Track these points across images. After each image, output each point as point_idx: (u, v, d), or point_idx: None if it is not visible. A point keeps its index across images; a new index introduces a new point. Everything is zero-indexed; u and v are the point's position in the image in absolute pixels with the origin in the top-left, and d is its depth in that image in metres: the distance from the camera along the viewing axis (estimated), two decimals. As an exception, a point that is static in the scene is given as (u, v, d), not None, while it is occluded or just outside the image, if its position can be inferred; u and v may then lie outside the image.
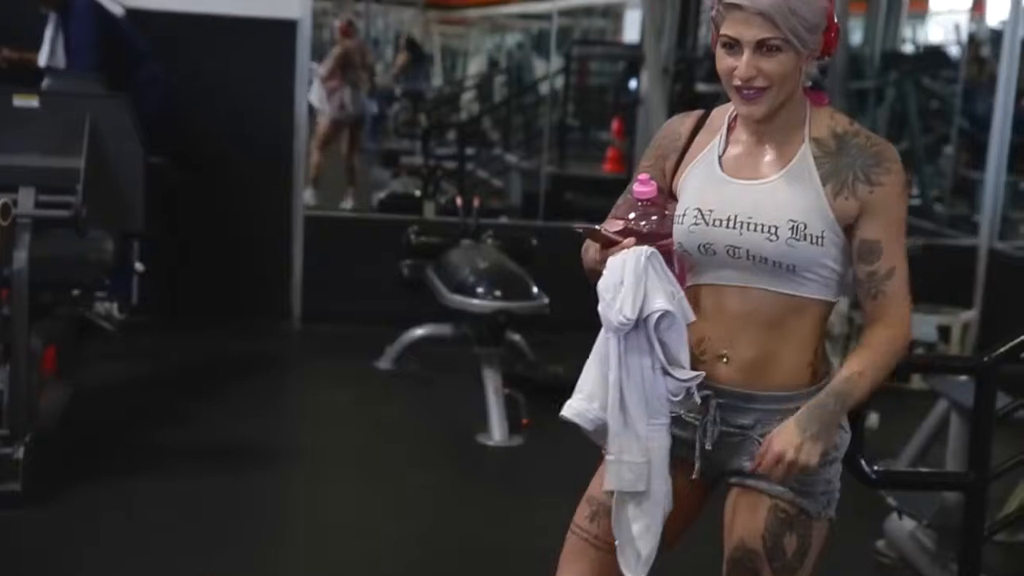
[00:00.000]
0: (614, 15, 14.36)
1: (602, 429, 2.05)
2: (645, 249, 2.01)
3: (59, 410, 4.55)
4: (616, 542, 2.09)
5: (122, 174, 4.58)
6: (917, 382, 5.82)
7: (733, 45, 2.00)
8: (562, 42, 11.95)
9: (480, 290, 4.94)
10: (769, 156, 2.09)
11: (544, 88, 11.47)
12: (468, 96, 14.73)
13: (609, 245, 2.06)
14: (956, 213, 8.33)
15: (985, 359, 2.65)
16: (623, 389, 2.02)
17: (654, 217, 2.07)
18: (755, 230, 2.04)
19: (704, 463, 2.14)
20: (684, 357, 2.03)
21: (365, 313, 6.14)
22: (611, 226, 2.09)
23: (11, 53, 5.67)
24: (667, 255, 2.09)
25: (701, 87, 8.91)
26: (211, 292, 6.18)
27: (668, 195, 2.17)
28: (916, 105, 8.91)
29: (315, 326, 6.37)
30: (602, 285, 2.02)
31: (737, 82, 2.01)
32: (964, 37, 9.19)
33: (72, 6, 5.50)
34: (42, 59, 5.59)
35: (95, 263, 4.51)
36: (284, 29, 6.21)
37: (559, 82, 10.90)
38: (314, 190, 8.74)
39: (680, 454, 2.13)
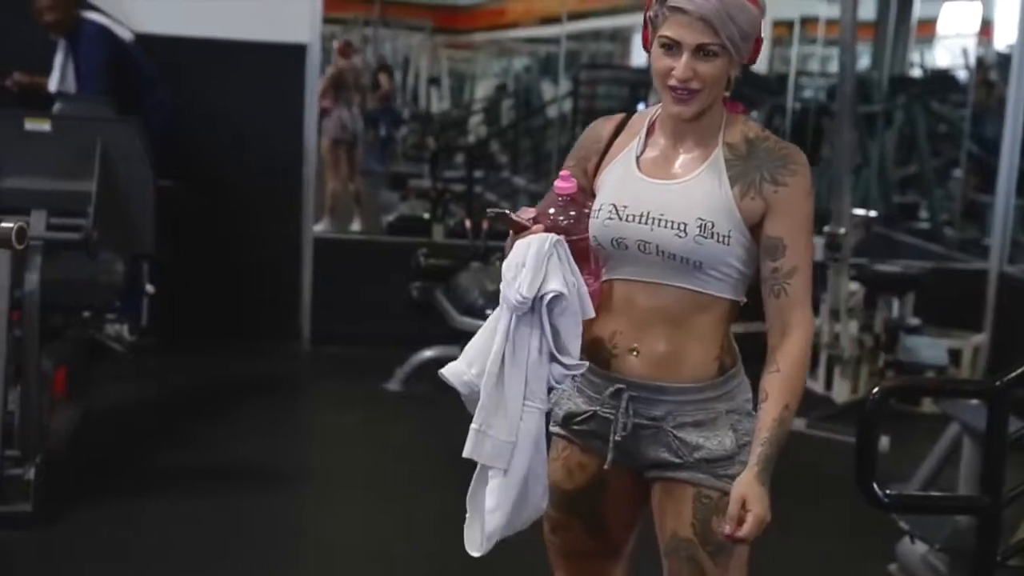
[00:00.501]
0: (622, 39, 14.39)
1: (473, 396, 2.10)
2: (551, 236, 2.08)
3: (69, 431, 4.55)
4: (467, 515, 2.14)
5: (132, 197, 4.60)
6: (928, 405, 5.82)
7: (672, 46, 2.08)
8: (570, 65, 11.99)
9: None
10: (684, 158, 2.18)
11: (552, 111, 11.51)
12: (476, 119, 14.77)
13: (520, 230, 2.13)
14: (966, 237, 8.32)
15: (997, 383, 2.64)
16: (505, 364, 2.06)
17: (572, 213, 2.15)
18: (665, 226, 2.12)
19: (618, 454, 2.20)
20: (574, 346, 2.08)
21: (374, 335, 6.15)
22: (524, 214, 2.16)
23: (22, 77, 5.70)
24: (584, 251, 2.18)
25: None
26: (221, 314, 6.19)
27: (589, 194, 2.25)
28: (925, 129, 8.93)
29: (324, 348, 6.37)
30: (505, 265, 2.09)
31: (673, 82, 2.09)
32: (972, 61, 9.20)
33: (81, 32, 5.52)
34: (52, 84, 5.62)
35: (106, 285, 4.52)
36: (293, 53, 6.24)
37: (567, 105, 10.92)
38: (331, 219, 8.75)
39: (597, 448, 2.23)
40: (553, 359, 2.07)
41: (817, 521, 4.49)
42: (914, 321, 6.12)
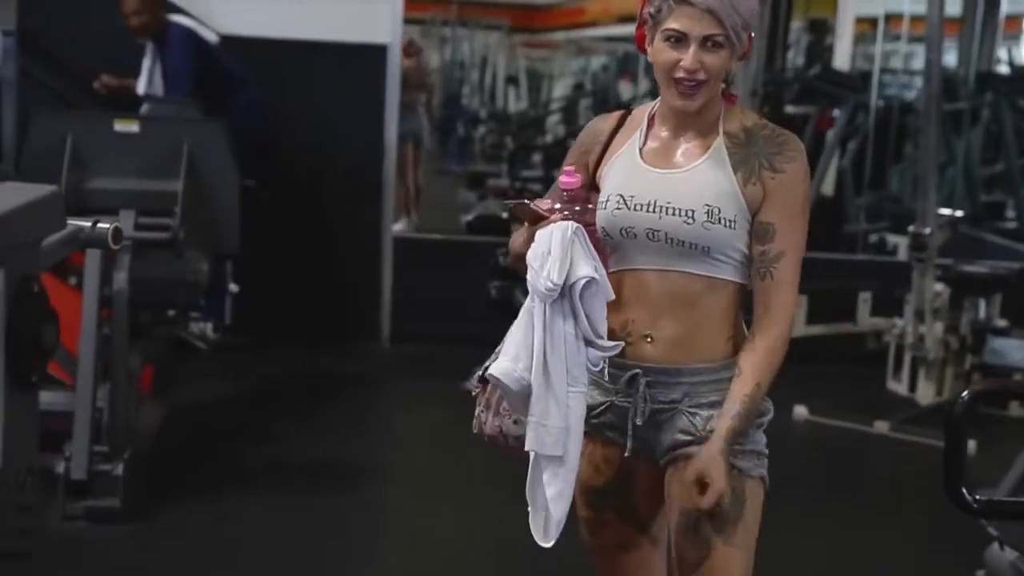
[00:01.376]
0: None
1: (524, 391, 2.11)
2: (571, 224, 2.11)
3: (155, 428, 4.62)
4: (529, 508, 2.17)
5: (218, 197, 4.67)
6: (1016, 409, 5.71)
7: (680, 39, 2.12)
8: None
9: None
10: (686, 148, 2.22)
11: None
12: (554, 119, 14.77)
13: (536, 220, 2.16)
14: (1054, 236, 8.15)
15: (1090, 386, 2.58)
16: (547, 353, 2.09)
17: (577, 207, 2.17)
18: (673, 214, 2.16)
19: (636, 442, 2.23)
20: (603, 329, 2.12)
21: (453, 334, 6.16)
22: (541, 204, 2.19)
23: (110, 80, 5.80)
24: (592, 243, 2.19)
25: (790, 108, 8.86)
26: (301, 313, 6.25)
27: (591, 188, 2.28)
28: (1012, 126, 8.75)
29: (403, 347, 6.41)
30: (530, 255, 2.11)
31: (680, 74, 2.13)
32: (1061, 57, 9.02)
33: (168, 35, 5.61)
34: (141, 88, 5.72)
35: (191, 284, 4.59)
36: (374, 54, 6.28)
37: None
38: (407, 218, 8.79)
39: (617, 440, 2.25)
40: (588, 343, 2.11)
41: (902, 525, 4.43)
42: (1001, 322, 6.01)
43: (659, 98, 2.26)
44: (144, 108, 5.22)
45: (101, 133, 4.46)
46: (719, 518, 2.16)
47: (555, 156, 10.27)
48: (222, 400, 5.48)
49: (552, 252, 2.07)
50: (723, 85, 2.22)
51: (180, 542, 3.93)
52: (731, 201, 2.16)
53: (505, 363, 2.13)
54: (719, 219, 2.15)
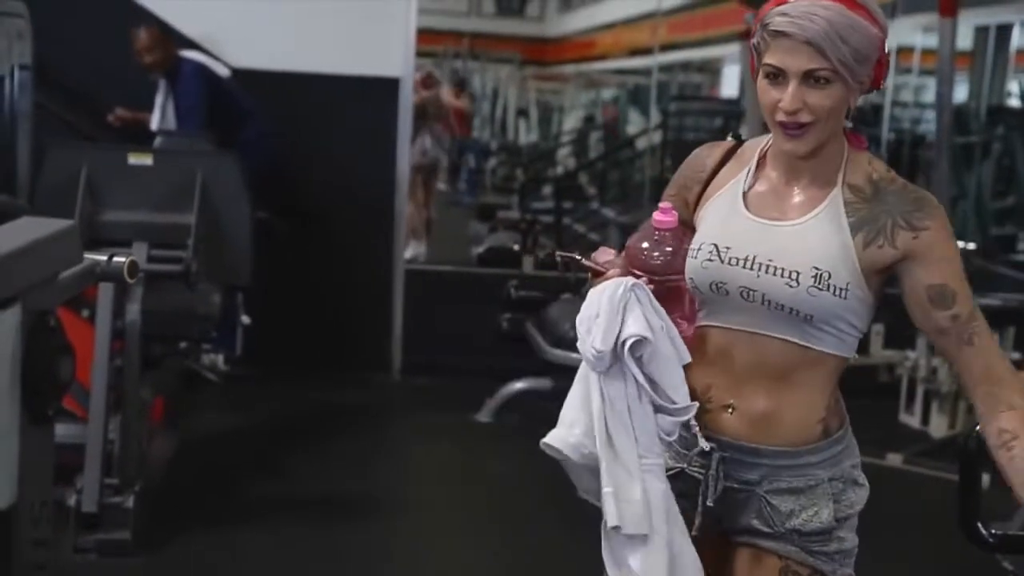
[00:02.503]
0: (711, 70, 14.35)
1: (584, 460, 1.92)
2: (627, 280, 1.89)
3: (166, 460, 4.62)
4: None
5: (230, 229, 4.68)
6: (1028, 442, 5.68)
7: (778, 75, 1.87)
8: (660, 97, 11.97)
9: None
10: (799, 197, 1.96)
11: (642, 143, 11.49)
12: (564, 151, 14.82)
13: (596, 275, 1.96)
14: (1065, 270, 8.13)
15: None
16: (607, 423, 1.88)
17: (668, 249, 1.96)
18: (774, 274, 1.91)
19: (707, 520, 2.01)
20: (678, 393, 1.90)
21: (464, 366, 6.17)
22: (600, 256, 1.99)
23: (124, 113, 5.84)
24: (679, 293, 2.00)
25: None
26: (312, 344, 6.25)
27: (688, 228, 2.04)
28: (1023, 160, 8.76)
29: (414, 378, 6.41)
30: (579, 317, 1.91)
31: (781, 116, 1.88)
32: (1072, 90, 9.03)
33: (180, 70, 5.67)
34: (154, 123, 5.77)
35: (203, 316, 4.61)
36: (387, 87, 6.31)
37: (656, 137, 10.91)
38: (415, 241, 8.82)
39: (684, 507, 1.99)
40: (657, 409, 1.89)
41: (916, 559, 4.40)
42: (1014, 355, 5.98)
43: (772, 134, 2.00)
44: (158, 141, 5.25)
45: (115, 166, 4.49)
46: None
47: (565, 188, 10.31)
48: (233, 432, 5.48)
49: (600, 314, 1.87)
50: (848, 124, 1.97)
51: (190, 574, 3.92)
52: (844, 265, 1.91)
53: (559, 432, 1.95)
54: (828, 285, 1.90)
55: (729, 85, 13.76)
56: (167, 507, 4.26)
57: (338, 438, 5.46)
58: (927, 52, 9.33)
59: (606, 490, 1.89)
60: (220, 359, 6.06)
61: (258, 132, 5.86)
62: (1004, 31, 9.61)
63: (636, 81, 14.53)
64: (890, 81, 9.83)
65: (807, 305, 1.91)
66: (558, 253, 2.06)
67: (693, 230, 2.03)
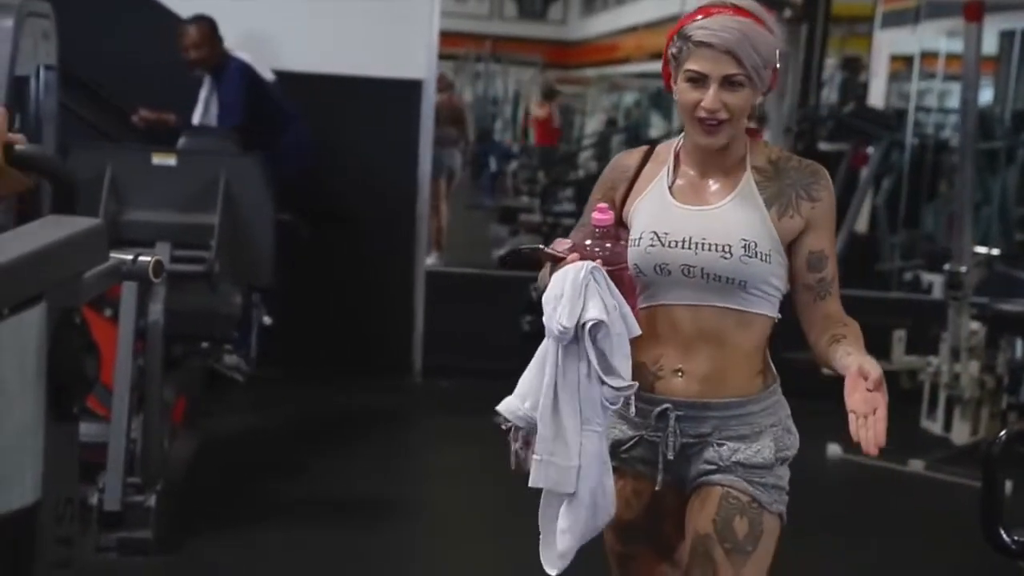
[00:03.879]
0: (734, 74, 14.30)
1: (531, 428, 2.16)
2: (588, 263, 2.12)
3: (187, 460, 4.64)
4: (540, 536, 2.23)
5: (253, 230, 4.70)
6: (1051, 449, 5.65)
7: (699, 79, 2.16)
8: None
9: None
10: (715, 185, 2.26)
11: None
12: (586, 154, 14.79)
13: (557, 262, 2.18)
14: (1091, 275, 8.07)
15: None
16: (558, 392, 2.12)
17: (608, 244, 2.20)
18: (710, 249, 2.20)
19: (667, 475, 2.25)
20: (623, 368, 2.12)
21: (486, 369, 6.15)
22: (558, 246, 2.21)
23: (148, 114, 5.86)
24: (621, 281, 2.21)
25: (823, 146, 8.84)
26: (334, 346, 6.27)
27: (620, 224, 2.31)
28: (1048, 165, 8.71)
29: (436, 381, 6.41)
30: (545, 297, 2.14)
31: (702, 114, 2.16)
32: (1098, 96, 8.97)
33: (226, 68, 5.70)
34: (196, 117, 5.80)
35: (225, 316, 4.64)
36: (409, 89, 6.32)
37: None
38: (437, 252, 8.82)
39: (649, 475, 2.28)
40: (602, 382, 2.11)
41: (938, 565, 4.38)
42: (1036, 362, 5.95)
43: (683, 135, 2.31)
44: (181, 140, 5.27)
45: (139, 166, 4.51)
46: (733, 548, 2.19)
47: (587, 191, 10.32)
48: (255, 432, 5.50)
49: (564, 294, 2.09)
50: (750, 124, 2.28)
51: (210, 574, 3.93)
52: (765, 235, 2.21)
53: (512, 401, 2.20)
54: (755, 253, 2.19)
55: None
56: (188, 507, 4.28)
57: (359, 440, 5.47)
58: (951, 57, 9.28)
59: (535, 457, 2.16)
60: (243, 360, 6.07)
61: (299, 138, 5.88)
62: (1029, 36, 9.56)
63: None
64: (914, 86, 9.82)
65: (740, 272, 2.20)
66: (523, 246, 2.32)
67: (623, 225, 2.32)
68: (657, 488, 2.26)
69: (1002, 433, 2.51)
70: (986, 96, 9.15)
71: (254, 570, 4.00)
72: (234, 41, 5.85)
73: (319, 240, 6.14)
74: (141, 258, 1.52)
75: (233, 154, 5.02)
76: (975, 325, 5.80)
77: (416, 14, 6.29)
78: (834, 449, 5.37)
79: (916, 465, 5.37)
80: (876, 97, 10.17)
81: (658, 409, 2.24)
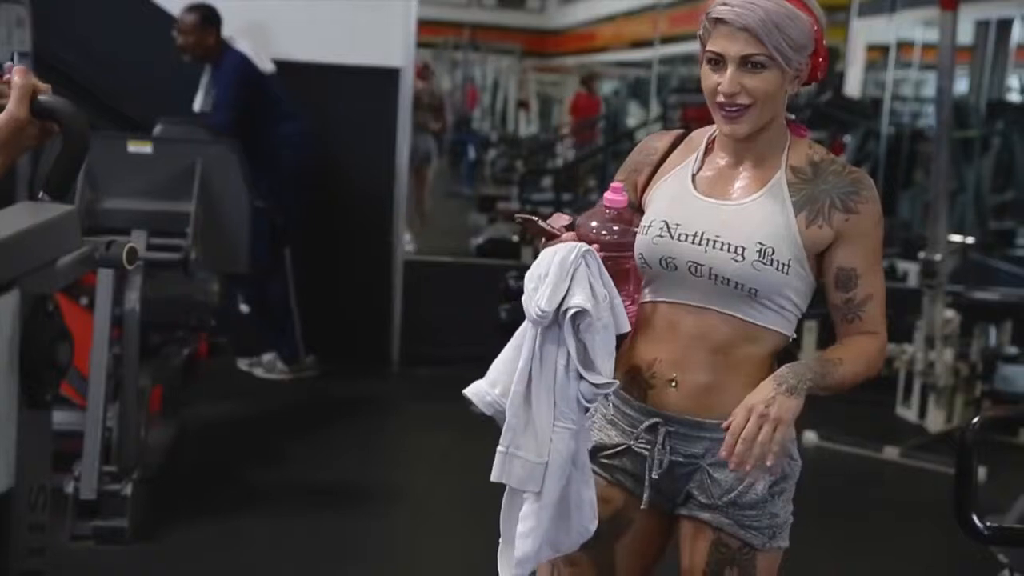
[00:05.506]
0: (712, 63, 14.33)
1: (500, 415, 1.99)
2: (581, 245, 1.94)
3: (164, 448, 4.63)
4: (500, 539, 2.06)
5: (229, 218, 4.68)
6: (1025, 436, 5.70)
7: (718, 61, 1.99)
8: (660, 89, 11.97)
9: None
10: (744, 179, 2.07)
11: (641, 135, 11.47)
12: (564, 143, 14.80)
13: (550, 238, 2.00)
14: (1065, 264, 8.14)
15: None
16: (531, 382, 1.94)
17: (616, 228, 2.02)
18: (721, 248, 2.00)
19: (654, 494, 2.10)
20: (606, 364, 1.94)
21: (463, 357, 6.15)
22: (555, 221, 2.04)
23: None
24: (625, 271, 2.06)
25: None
26: (311, 334, 6.26)
27: (636, 211, 2.14)
28: (1022, 154, 8.76)
29: (413, 369, 6.41)
30: (528, 274, 1.95)
31: (720, 98, 1.99)
32: (1072, 85, 9.03)
33: (222, 60, 5.67)
34: (196, 104, 5.77)
35: (202, 304, 4.62)
36: (387, 77, 6.30)
37: (657, 129, 10.90)
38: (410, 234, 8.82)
39: (631, 488, 2.12)
40: (580, 377, 1.93)
41: (912, 551, 4.41)
42: (1011, 350, 6.00)
43: None
44: (157, 128, 5.25)
45: (115, 154, 4.48)
46: None
47: (564, 180, 10.31)
48: (232, 421, 5.48)
49: (549, 274, 1.91)
50: (790, 115, 2.08)
51: (188, 563, 3.93)
52: (787, 243, 2.00)
53: (481, 385, 2.02)
54: (772, 260, 1.98)
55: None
56: (165, 495, 4.27)
57: (337, 428, 5.47)
58: (927, 46, 9.33)
59: (500, 448, 1.97)
60: (279, 361, 6.06)
61: (297, 129, 5.86)
62: (1004, 25, 9.61)
63: (637, 74, 14.51)
64: (890, 75, 9.87)
65: (752, 279, 1.99)
66: (517, 215, 2.12)
67: (640, 212, 2.13)
68: (643, 507, 2.10)
69: (976, 420, 2.53)
70: (961, 85, 9.21)
71: (232, 558, 3.99)
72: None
73: (297, 228, 6.12)
74: (115, 245, 1.51)
75: (209, 142, 4.99)
76: (950, 313, 5.84)
77: (394, 2, 6.27)
78: (809, 437, 5.41)
79: (891, 452, 5.40)
80: (852, 86, 10.20)
81: (648, 422, 2.07)
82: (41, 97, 1.62)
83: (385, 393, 6.26)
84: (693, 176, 2.09)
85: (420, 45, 6.83)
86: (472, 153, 14.60)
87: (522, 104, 17.70)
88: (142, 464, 4.14)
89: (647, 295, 2.10)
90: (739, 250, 1.99)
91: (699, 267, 2.01)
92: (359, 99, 6.30)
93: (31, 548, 1.40)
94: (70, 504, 3.86)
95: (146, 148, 4.56)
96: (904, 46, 10.03)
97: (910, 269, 7.08)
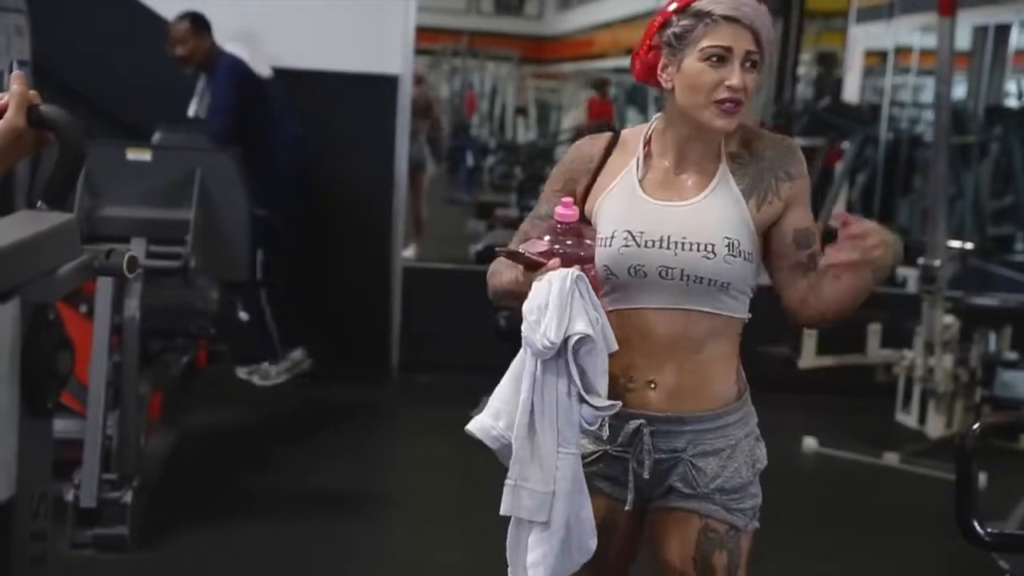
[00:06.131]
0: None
1: (506, 449, 1.99)
2: (572, 272, 1.94)
3: (164, 456, 4.62)
4: (509, 566, 2.07)
5: (228, 225, 4.69)
6: (1025, 442, 5.70)
7: (723, 57, 2.01)
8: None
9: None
10: (691, 178, 2.10)
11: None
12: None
13: (534, 267, 1.99)
14: (1064, 269, 8.14)
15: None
16: (534, 412, 1.96)
17: (569, 242, 2.01)
18: (691, 249, 2.04)
19: (636, 493, 2.13)
20: (602, 385, 1.97)
21: (462, 363, 6.17)
22: (533, 247, 2.02)
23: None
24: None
25: (799, 141, 8.87)
26: (311, 341, 6.26)
27: (583, 220, 2.13)
28: (1021, 160, 8.77)
29: (412, 376, 6.41)
30: (527, 307, 1.95)
31: (725, 94, 2.01)
32: (1070, 91, 9.03)
33: (217, 66, 5.65)
34: (192, 109, 5.77)
35: (201, 311, 4.62)
36: (386, 84, 6.31)
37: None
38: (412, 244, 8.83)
39: (610, 492, 2.15)
40: (582, 401, 1.95)
41: (912, 558, 4.40)
42: (1011, 355, 5.99)
43: (650, 124, 2.16)
44: (156, 136, 5.25)
45: (114, 161, 4.48)
46: None
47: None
48: (232, 428, 5.48)
49: (549, 305, 1.91)
50: None
51: (188, 571, 3.93)
52: (746, 233, 2.07)
53: (485, 419, 2.01)
54: (739, 252, 2.05)
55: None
56: (165, 503, 4.27)
57: (336, 435, 5.46)
58: (925, 52, 9.33)
59: (508, 481, 1.99)
60: (271, 368, 6.06)
61: (289, 134, 5.86)
62: (1002, 31, 9.61)
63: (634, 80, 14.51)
64: (888, 81, 9.87)
65: (724, 273, 2.05)
66: (498, 248, 2.13)
67: (586, 221, 2.13)
68: (627, 508, 2.13)
69: (976, 426, 2.52)
70: (959, 91, 9.21)
71: (232, 565, 3.99)
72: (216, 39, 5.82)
73: (296, 235, 6.12)
74: (115, 253, 1.51)
75: (208, 149, 5.00)
76: (949, 319, 5.84)
77: (392, 9, 6.27)
78: (809, 443, 5.40)
79: (891, 458, 5.40)
80: (851, 92, 10.21)
81: (632, 426, 2.09)
82: (42, 108, 1.63)
83: (384, 400, 6.26)
84: (639, 181, 2.12)
85: (418, 52, 6.84)
86: (471, 160, 14.60)
87: (520, 111, 17.71)
88: (142, 472, 4.14)
89: (613, 303, 2.10)
90: (709, 247, 2.04)
91: (670, 270, 2.05)
92: (358, 106, 6.30)
93: (32, 556, 1.41)
94: (70, 512, 3.86)
95: (145, 156, 4.57)
96: (902, 52, 10.03)
97: (909, 275, 7.08)
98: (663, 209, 2.08)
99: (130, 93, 5.92)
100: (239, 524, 4.27)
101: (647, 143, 2.15)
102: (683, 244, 2.04)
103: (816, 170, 8.12)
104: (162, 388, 4.77)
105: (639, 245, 2.06)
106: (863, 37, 10.44)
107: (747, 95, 2.02)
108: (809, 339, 5.94)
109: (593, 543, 2.04)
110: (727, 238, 2.05)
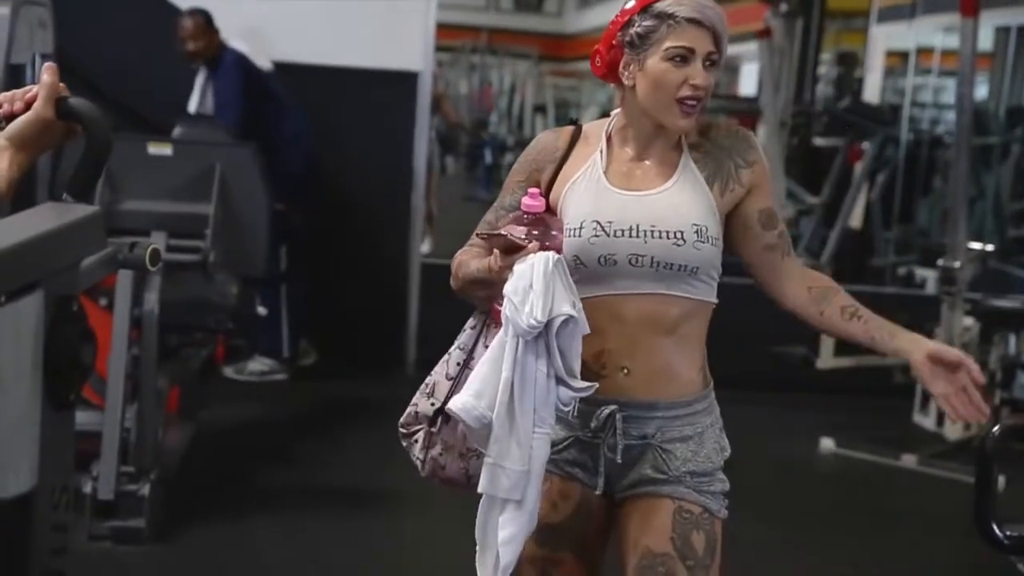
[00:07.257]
0: (730, 68, 14.32)
1: (485, 429, 2.01)
2: (552, 255, 1.98)
3: (181, 450, 4.64)
4: (477, 546, 2.10)
5: (248, 220, 4.69)
6: (1044, 445, 5.67)
7: (685, 57, 2.08)
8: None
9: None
10: (655, 168, 2.16)
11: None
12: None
13: (513, 250, 2.01)
14: (1084, 272, 8.09)
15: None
16: (514, 392, 1.98)
17: (535, 232, 2.03)
18: (661, 237, 2.10)
19: (605, 479, 2.16)
20: (577, 367, 2.01)
21: (479, 361, 6.17)
22: (513, 231, 2.05)
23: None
24: None
25: (818, 141, 8.86)
26: (328, 337, 6.27)
27: (549, 210, 2.17)
28: (1044, 162, 8.72)
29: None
30: (510, 288, 1.97)
31: (688, 92, 2.08)
32: (1093, 92, 8.98)
33: (221, 61, 5.67)
34: (192, 106, 5.78)
35: (220, 306, 4.63)
36: (406, 81, 6.31)
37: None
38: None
39: (582, 478, 2.19)
40: (560, 382, 2.00)
41: (931, 560, 4.39)
42: (1032, 358, 5.96)
43: (610, 118, 2.22)
44: (176, 130, 5.27)
45: (135, 155, 4.50)
46: (695, 564, 2.11)
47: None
48: (249, 423, 5.50)
49: (534, 286, 1.94)
50: None
51: (204, 563, 3.94)
52: (712, 218, 2.13)
53: (467, 399, 2.02)
54: (707, 237, 2.11)
55: (747, 83, 13.74)
56: (182, 496, 4.28)
57: (353, 431, 5.47)
58: (947, 53, 9.29)
59: (487, 460, 2.02)
60: (267, 361, 6.07)
61: (298, 128, 5.87)
62: (1025, 32, 9.56)
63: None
64: (909, 81, 9.82)
65: (694, 259, 2.11)
66: (482, 232, 2.20)
67: (551, 211, 2.17)
68: (597, 492, 2.16)
69: (995, 428, 2.52)
70: (981, 92, 9.16)
71: (248, 559, 4.00)
72: (230, 33, 5.83)
73: (315, 230, 6.14)
74: (138, 246, 1.52)
75: (229, 144, 5.01)
76: (968, 321, 5.81)
77: (412, 6, 6.28)
78: (826, 444, 5.39)
79: (909, 460, 5.38)
80: (871, 92, 10.17)
81: (605, 411, 2.12)
82: (69, 100, 1.64)
83: (401, 396, 6.18)
84: (604, 172, 2.17)
85: (438, 49, 6.84)
86: (489, 157, 14.61)
87: (539, 108, 17.70)
88: (159, 465, 4.15)
89: (582, 292, 2.09)
90: (678, 234, 2.10)
91: (640, 258, 2.10)
92: (377, 103, 6.31)
93: (53, 548, 1.41)
94: (88, 504, 3.88)
95: (166, 150, 4.58)
96: (924, 52, 9.99)
97: (929, 276, 7.05)
98: (630, 199, 2.14)
99: (149, 87, 5.94)
100: (255, 518, 4.29)
101: (609, 136, 2.21)
102: (653, 232, 2.10)
103: (836, 170, 8.10)
104: (180, 382, 4.79)
105: (608, 235, 2.11)
106: (884, 37, 10.39)
107: (708, 93, 2.09)
108: (827, 340, 5.92)
109: (536, 520, 2.09)
110: (695, 225, 2.11)
